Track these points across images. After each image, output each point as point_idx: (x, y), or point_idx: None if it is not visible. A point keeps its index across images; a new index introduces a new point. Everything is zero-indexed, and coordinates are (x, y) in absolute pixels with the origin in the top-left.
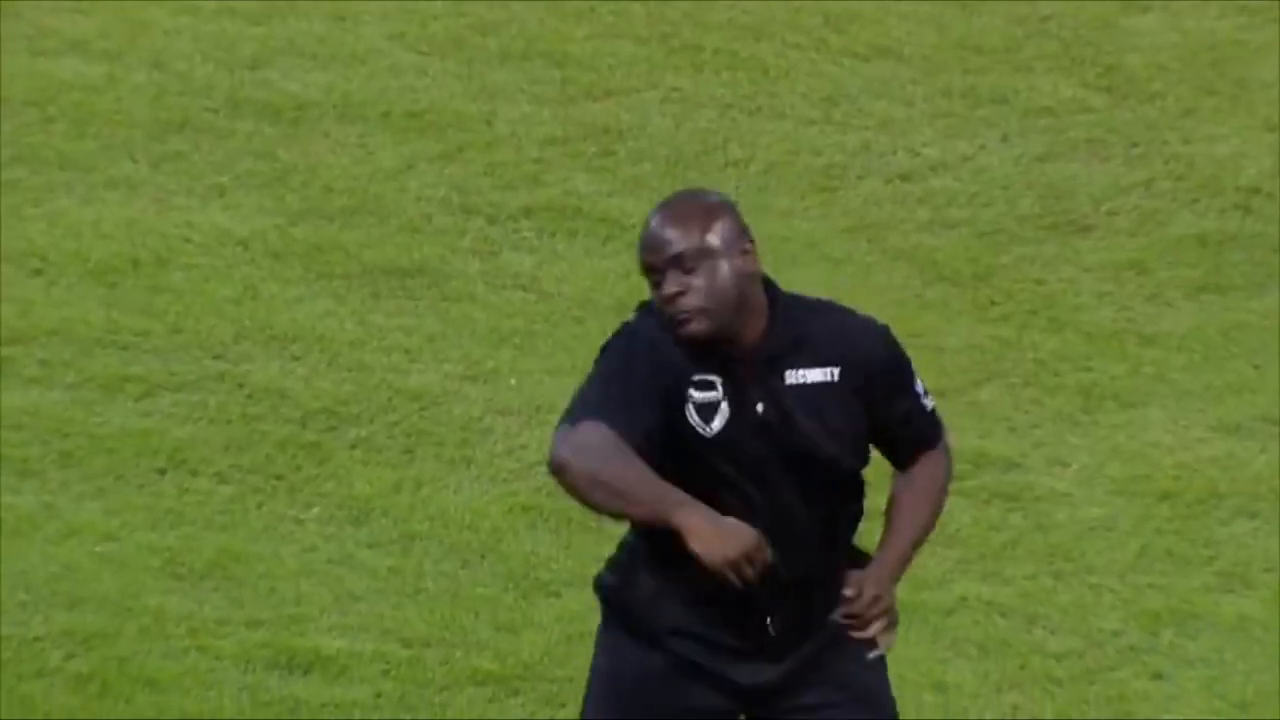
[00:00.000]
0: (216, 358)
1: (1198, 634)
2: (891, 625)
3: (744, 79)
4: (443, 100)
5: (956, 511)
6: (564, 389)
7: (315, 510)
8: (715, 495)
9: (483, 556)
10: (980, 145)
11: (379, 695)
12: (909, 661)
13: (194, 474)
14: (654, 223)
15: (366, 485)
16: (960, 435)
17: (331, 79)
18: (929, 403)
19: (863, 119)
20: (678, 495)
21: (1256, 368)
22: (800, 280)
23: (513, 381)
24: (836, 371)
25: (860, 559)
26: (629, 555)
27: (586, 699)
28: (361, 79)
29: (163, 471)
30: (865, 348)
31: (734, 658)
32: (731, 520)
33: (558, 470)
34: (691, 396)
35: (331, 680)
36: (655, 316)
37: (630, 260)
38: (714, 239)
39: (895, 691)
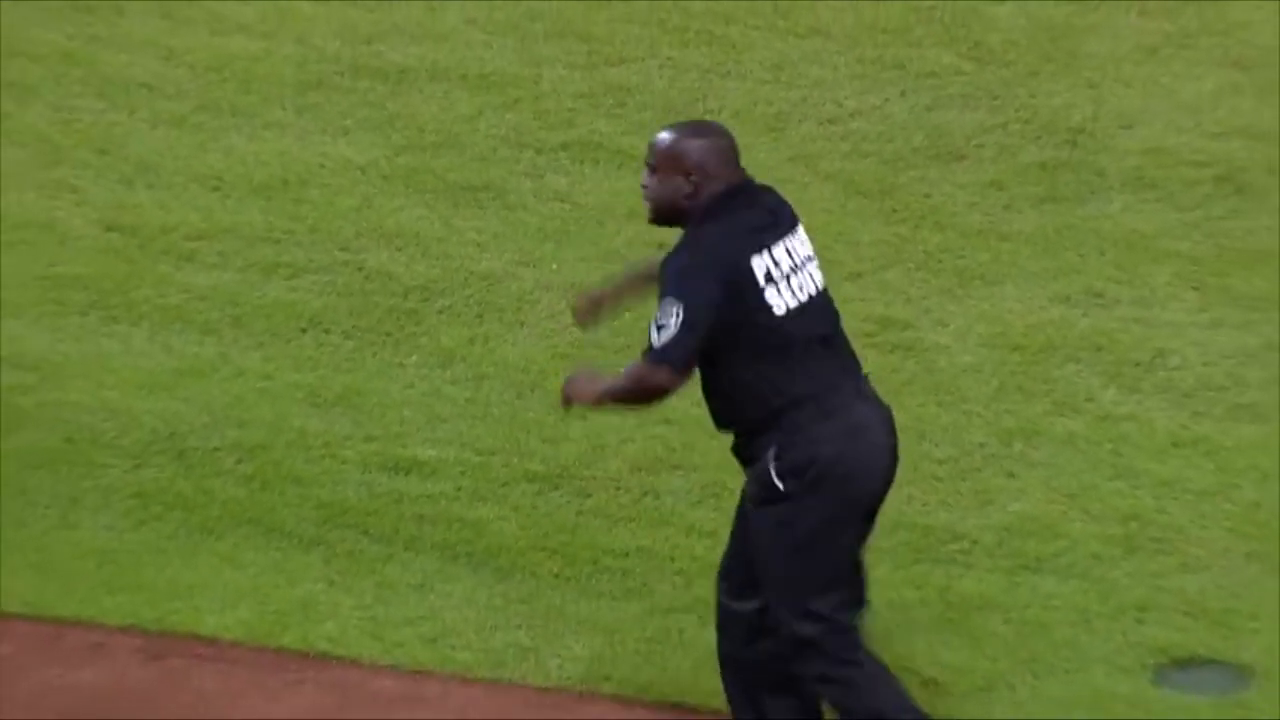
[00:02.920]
0: (343, 249)
1: (1040, 446)
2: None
3: (717, 51)
4: (503, 66)
5: (870, 358)
6: (591, 271)
7: (414, 358)
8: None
9: (533, 390)
10: (885, 98)
11: (459, 489)
12: None
13: (327, 332)
14: (660, 131)
15: (450, 340)
16: (871, 305)
17: (424, 51)
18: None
19: (801, 80)
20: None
21: (1081, 256)
22: None
23: (554, 266)
24: None
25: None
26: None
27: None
28: (446, 51)
29: (305, 330)
30: None
31: None
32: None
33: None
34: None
35: (425, 478)
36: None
37: (637, 181)
38: (661, 160)
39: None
